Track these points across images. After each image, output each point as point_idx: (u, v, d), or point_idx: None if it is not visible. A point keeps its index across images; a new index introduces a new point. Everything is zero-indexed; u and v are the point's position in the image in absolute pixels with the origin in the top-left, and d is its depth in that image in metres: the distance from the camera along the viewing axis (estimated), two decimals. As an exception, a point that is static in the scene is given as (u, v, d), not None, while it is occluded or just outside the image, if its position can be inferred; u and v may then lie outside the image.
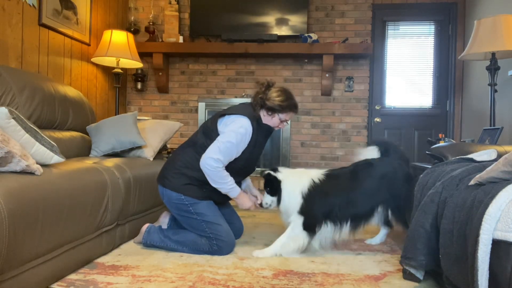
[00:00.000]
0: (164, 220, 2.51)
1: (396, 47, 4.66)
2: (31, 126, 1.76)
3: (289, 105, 2.27)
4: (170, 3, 4.54)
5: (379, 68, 4.64)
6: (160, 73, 4.57)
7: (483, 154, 2.03)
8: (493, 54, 3.06)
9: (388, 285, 1.82)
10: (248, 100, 2.45)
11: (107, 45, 3.62)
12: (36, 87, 2.54)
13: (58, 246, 1.71)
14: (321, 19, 4.57)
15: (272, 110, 2.26)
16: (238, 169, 2.28)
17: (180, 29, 4.57)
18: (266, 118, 2.30)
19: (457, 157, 2.13)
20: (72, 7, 3.47)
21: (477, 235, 1.25)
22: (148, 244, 2.32)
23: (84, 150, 2.88)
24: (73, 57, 3.57)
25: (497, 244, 1.22)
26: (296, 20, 4.42)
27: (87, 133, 2.97)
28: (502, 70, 3.21)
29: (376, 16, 4.60)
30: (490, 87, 3.13)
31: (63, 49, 3.40)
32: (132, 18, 4.61)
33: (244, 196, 2.31)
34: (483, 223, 1.24)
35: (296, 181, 2.28)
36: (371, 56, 4.50)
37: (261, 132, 2.31)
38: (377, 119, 4.63)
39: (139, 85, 4.68)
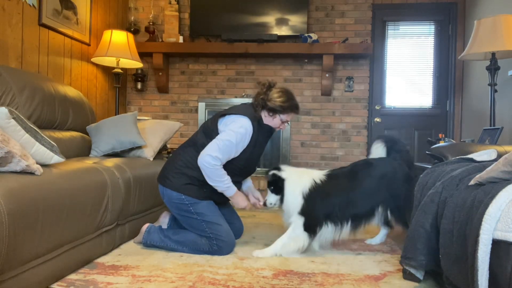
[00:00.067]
0: (164, 220, 2.51)
1: (396, 47, 4.66)
2: (31, 126, 1.76)
3: (290, 105, 2.27)
4: (170, 3, 4.54)
5: (379, 68, 4.64)
6: (160, 73, 4.57)
7: (483, 154, 2.03)
8: (493, 54, 3.06)
9: (388, 285, 1.82)
10: (248, 100, 2.46)
11: (107, 45, 3.62)
12: (36, 87, 2.54)
13: (58, 246, 1.71)
14: (321, 19, 4.57)
15: (273, 111, 2.26)
16: (239, 169, 2.29)
17: (180, 29, 4.57)
18: (267, 119, 2.30)
19: (457, 157, 2.13)
20: (72, 7, 3.47)
21: (477, 235, 1.25)
22: (148, 244, 2.32)
23: (84, 150, 2.88)
24: (73, 57, 3.57)
25: (497, 244, 1.22)
26: (296, 20, 4.42)
27: (87, 133, 2.97)
28: (502, 70, 3.21)
29: (376, 16, 4.60)
30: (490, 87, 3.13)
31: (63, 49, 3.40)
32: (132, 18, 4.61)
33: (239, 195, 2.31)
34: (483, 223, 1.24)
35: (297, 181, 2.28)
36: (371, 56, 4.50)
37: (262, 133, 2.31)
38: (377, 119, 4.63)
39: (139, 85, 4.68)
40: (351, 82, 4.54)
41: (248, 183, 2.55)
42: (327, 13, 4.57)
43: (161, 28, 4.64)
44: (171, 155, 2.66)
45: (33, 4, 2.96)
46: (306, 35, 4.29)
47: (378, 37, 4.62)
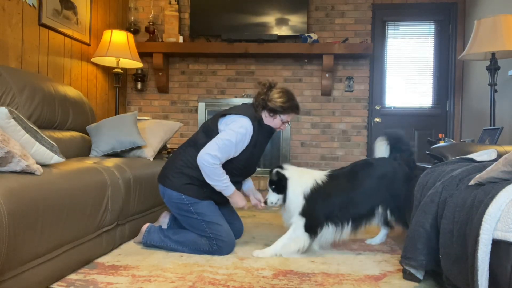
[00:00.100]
0: (164, 220, 2.51)
1: (396, 47, 4.66)
2: (31, 126, 1.76)
3: (290, 106, 2.27)
4: (170, 3, 4.54)
5: (379, 68, 4.64)
6: (160, 73, 4.57)
7: (483, 154, 2.03)
8: (493, 54, 3.06)
9: (388, 285, 1.82)
10: (248, 100, 2.46)
11: (107, 45, 3.63)
12: (36, 87, 2.54)
13: (58, 246, 1.71)
14: (321, 19, 4.57)
15: (273, 111, 2.27)
16: (239, 169, 2.29)
17: (180, 29, 4.57)
18: (268, 119, 2.30)
19: (457, 157, 2.13)
20: (72, 7, 3.47)
21: (477, 235, 1.25)
22: (148, 244, 2.32)
23: (84, 150, 2.88)
24: (73, 57, 3.57)
25: (497, 244, 1.22)
26: (296, 20, 4.42)
27: (87, 133, 2.97)
28: (502, 70, 3.21)
29: (376, 16, 4.60)
30: (490, 87, 3.13)
31: (63, 49, 3.40)
32: (132, 18, 4.62)
33: (238, 195, 2.30)
34: (483, 223, 1.24)
35: (299, 181, 2.27)
36: (371, 56, 4.50)
37: (262, 133, 2.31)
38: (377, 119, 4.63)
39: (139, 85, 4.68)
40: (351, 82, 4.54)
41: (249, 184, 2.55)
42: (327, 13, 4.57)
43: (161, 28, 4.64)
44: (171, 155, 2.66)
45: (33, 4, 2.96)
46: (306, 35, 4.29)
47: (378, 37, 4.62)
